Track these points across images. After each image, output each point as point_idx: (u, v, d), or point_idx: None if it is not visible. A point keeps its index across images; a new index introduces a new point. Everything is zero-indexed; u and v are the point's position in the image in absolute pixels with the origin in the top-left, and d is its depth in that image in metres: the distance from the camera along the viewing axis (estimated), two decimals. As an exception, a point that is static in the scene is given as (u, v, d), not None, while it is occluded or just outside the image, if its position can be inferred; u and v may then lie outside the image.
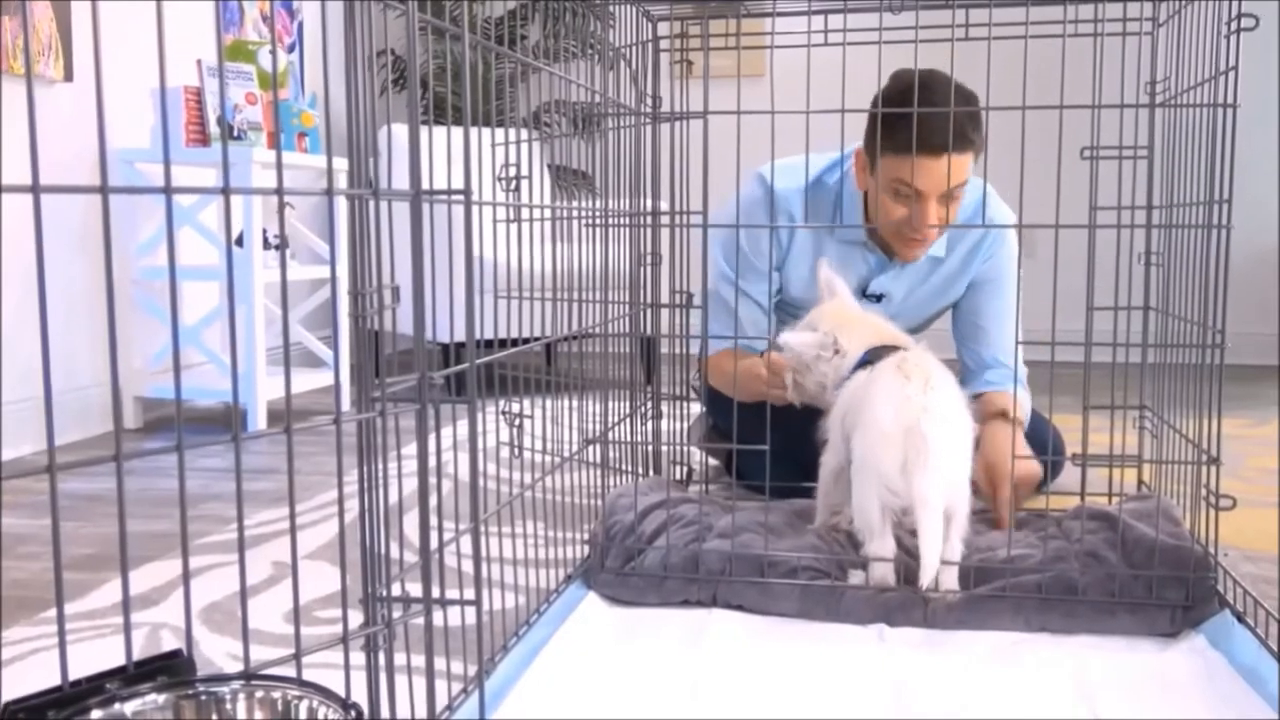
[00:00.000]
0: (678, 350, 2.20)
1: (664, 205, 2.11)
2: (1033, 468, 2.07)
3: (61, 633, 0.86)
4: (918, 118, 1.79)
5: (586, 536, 1.90)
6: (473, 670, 1.38)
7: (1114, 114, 1.66)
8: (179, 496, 0.90)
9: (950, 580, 1.70)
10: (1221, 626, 1.59)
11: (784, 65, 1.94)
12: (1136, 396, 1.96)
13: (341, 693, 0.98)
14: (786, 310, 2.33)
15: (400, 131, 3.95)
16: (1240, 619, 1.58)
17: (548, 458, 1.88)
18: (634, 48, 2.11)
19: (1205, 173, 1.66)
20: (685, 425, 2.57)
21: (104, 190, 0.83)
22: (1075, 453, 1.72)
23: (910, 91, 1.82)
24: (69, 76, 3.13)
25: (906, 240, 2.16)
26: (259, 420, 3.33)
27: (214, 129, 3.37)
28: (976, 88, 1.97)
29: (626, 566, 1.78)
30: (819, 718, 1.36)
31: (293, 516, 0.93)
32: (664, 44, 2.17)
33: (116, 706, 0.88)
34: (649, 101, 2.14)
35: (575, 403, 2.03)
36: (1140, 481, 2.14)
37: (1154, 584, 1.64)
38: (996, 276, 2.32)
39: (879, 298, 2.32)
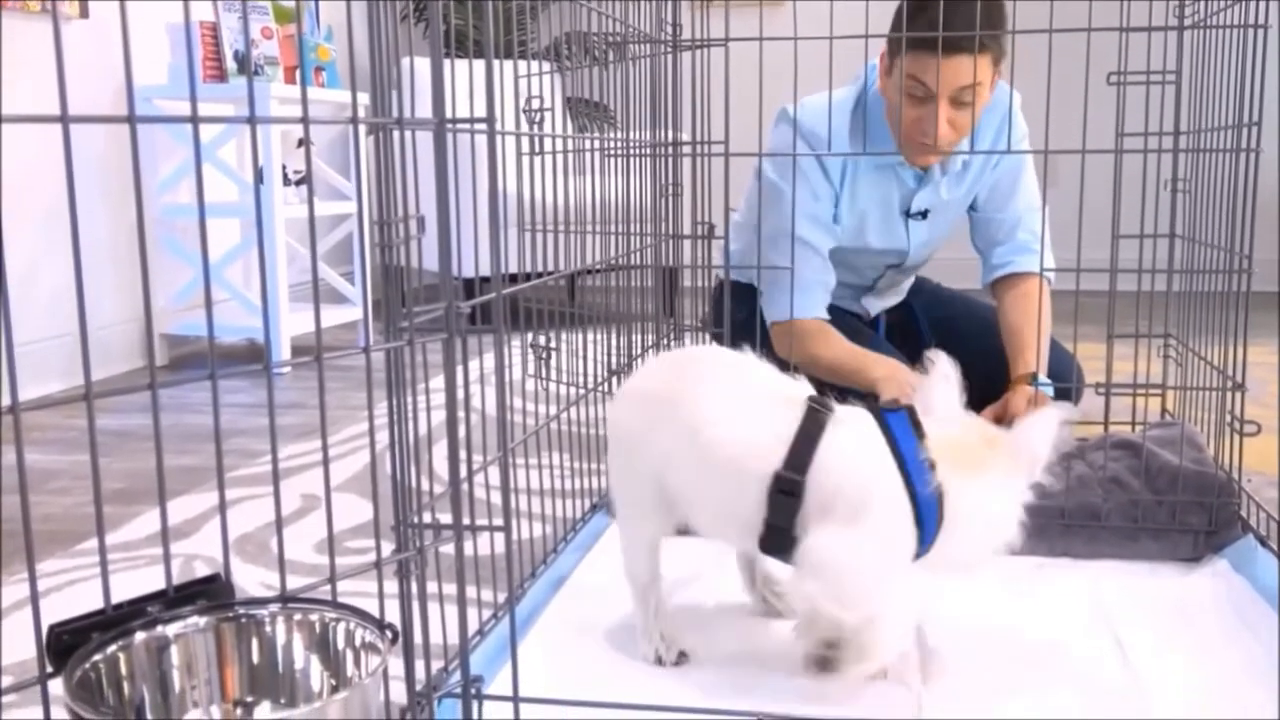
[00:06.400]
0: (700, 283, 2.19)
1: (685, 135, 2.10)
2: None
3: (103, 557, 0.87)
4: (934, 15, 1.77)
5: (611, 467, 1.92)
6: (501, 597, 1.41)
7: (1142, 38, 1.64)
8: (214, 425, 0.91)
9: None
10: (1245, 551, 1.59)
11: (806, -9, 1.91)
12: (1161, 324, 1.95)
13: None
14: (840, 260, 2.30)
15: (420, 65, 3.91)
16: (1264, 543, 1.59)
17: (572, 389, 1.88)
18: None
19: (1235, 96, 1.64)
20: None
21: (131, 120, 0.84)
22: (1099, 381, 1.72)
23: None
24: (85, 14, 3.11)
25: (918, 145, 2.13)
26: (283, 355, 3.35)
27: (230, 64, 3.35)
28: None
29: (651, 496, 1.79)
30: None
31: (325, 444, 0.94)
32: (684, -29, 2.14)
33: (159, 629, 0.90)
34: (669, 29, 2.11)
35: (598, 335, 2.04)
36: (1164, 410, 2.14)
37: (1177, 509, 1.64)
38: (1015, 163, 2.31)
39: (924, 214, 2.29)
